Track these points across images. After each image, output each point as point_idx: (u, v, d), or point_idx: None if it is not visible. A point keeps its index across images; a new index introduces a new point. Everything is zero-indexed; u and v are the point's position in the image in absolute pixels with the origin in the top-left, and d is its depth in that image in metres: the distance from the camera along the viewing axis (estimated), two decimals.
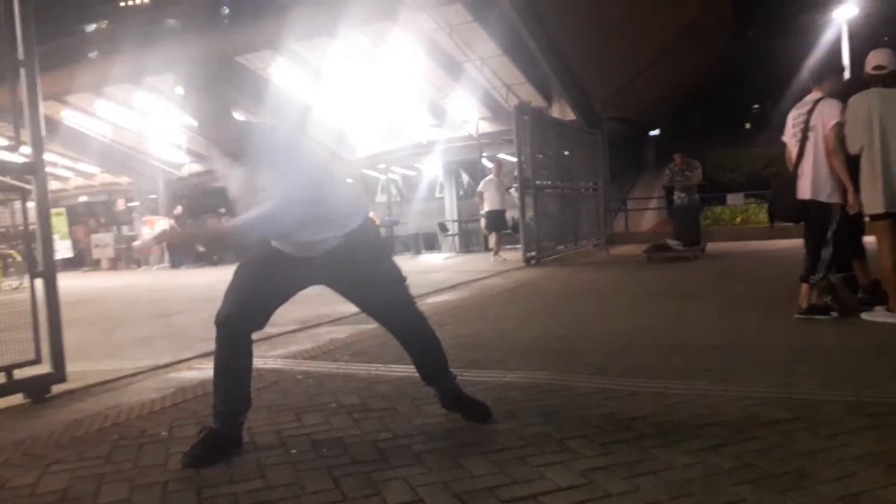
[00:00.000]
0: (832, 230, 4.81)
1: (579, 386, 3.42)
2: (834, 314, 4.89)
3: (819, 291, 4.96)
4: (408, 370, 3.98)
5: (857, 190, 4.70)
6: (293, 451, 2.73)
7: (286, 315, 6.59)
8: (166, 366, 4.54)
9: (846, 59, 21.64)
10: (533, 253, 10.99)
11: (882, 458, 2.28)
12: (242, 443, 2.79)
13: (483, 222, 12.79)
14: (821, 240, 4.84)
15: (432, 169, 19.30)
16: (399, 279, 2.96)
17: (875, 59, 4.75)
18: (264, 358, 4.65)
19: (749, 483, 2.15)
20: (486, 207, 12.16)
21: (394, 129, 17.59)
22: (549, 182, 12.02)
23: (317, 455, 2.66)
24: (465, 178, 19.86)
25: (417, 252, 17.19)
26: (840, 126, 4.71)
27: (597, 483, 2.22)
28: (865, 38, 21.06)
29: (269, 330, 5.66)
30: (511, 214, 12.61)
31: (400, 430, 2.88)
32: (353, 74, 15.02)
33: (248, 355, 2.85)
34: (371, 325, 5.72)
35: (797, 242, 5.30)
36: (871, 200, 4.64)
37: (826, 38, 25.27)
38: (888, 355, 3.78)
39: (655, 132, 28.41)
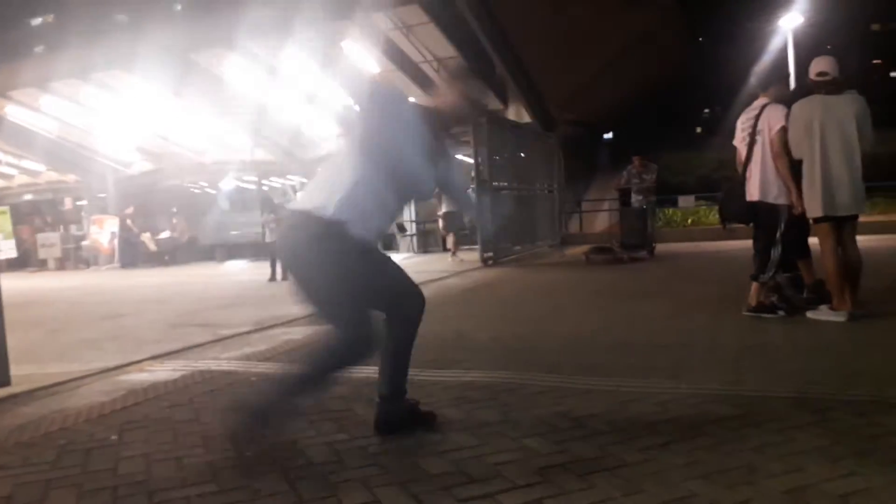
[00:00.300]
0: (780, 231, 4.97)
1: (535, 384, 3.45)
2: (780, 313, 5.04)
3: (767, 290, 5.11)
4: (364, 370, 3.95)
5: (800, 192, 4.86)
6: (248, 453, 2.68)
7: (240, 316, 6.52)
8: (115, 368, 4.41)
9: (791, 66, 22.34)
10: (490, 254, 11.04)
11: (826, 452, 2.35)
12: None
13: (441, 223, 12.81)
14: (770, 240, 4.99)
15: None
16: None
17: (818, 66, 4.88)
18: (217, 360, 4.57)
19: (699, 478, 2.20)
20: (444, 208, 12.18)
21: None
22: (506, 184, 12.10)
23: (272, 457, 2.62)
24: None
25: None
26: (785, 130, 4.87)
27: (553, 481, 2.24)
28: (810, 45, 21.79)
29: (221, 332, 5.62)
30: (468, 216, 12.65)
31: (357, 432, 2.86)
32: (308, 72, 14.85)
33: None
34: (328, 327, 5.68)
35: (746, 244, 5.43)
36: (812, 204, 4.80)
37: (773, 46, 26.05)
38: (832, 352, 3.91)
39: (609, 135, 28.86)
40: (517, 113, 15.77)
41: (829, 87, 4.81)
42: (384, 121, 2.54)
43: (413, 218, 17.41)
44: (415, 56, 14.92)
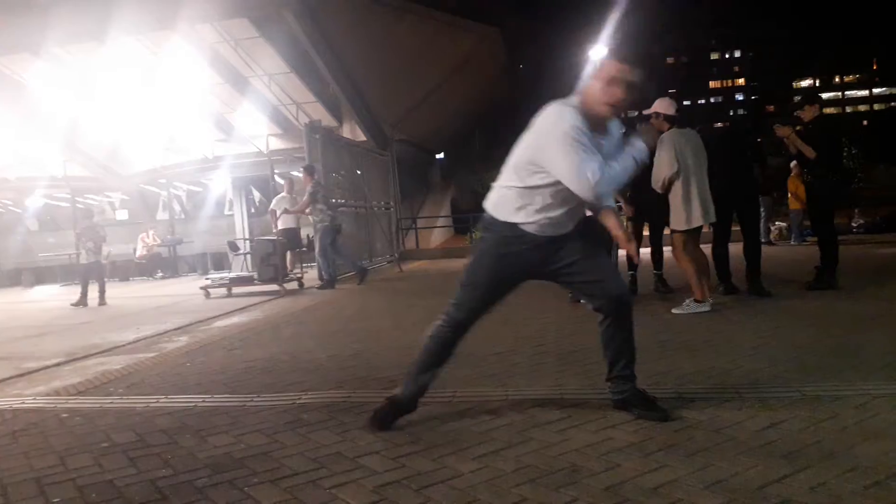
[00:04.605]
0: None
1: (373, 401, 3.39)
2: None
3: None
4: (191, 400, 3.71)
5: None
6: (55, 499, 2.39)
7: (49, 347, 5.88)
8: None
9: None
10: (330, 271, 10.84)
11: (640, 448, 2.52)
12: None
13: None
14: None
15: (220, 185, 18.34)
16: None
17: (671, 104, 5.75)
18: (21, 397, 4.07)
19: (529, 483, 2.26)
20: (280, 226, 11.83)
21: (177, 142, 16.51)
22: (343, 200, 12.01)
23: (84, 502, 2.36)
24: (256, 194, 19.14)
25: (205, 272, 16.21)
26: None
27: (389, 498, 2.21)
28: None
29: (26, 365, 5.03)
30: (306, 232, 12.37)
31: (182, 466, 2.65)
32: (127, 84, 13.85)
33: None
34: (150, 354, 5.27)
35: None
36: (693, 216, 5.58)
37: (585, 74, 28.16)
38: (639, 354, 4.20)
39: (441, 155, 29.64)
40: (352, 131, 15.76)
41: (679, 122, 5.74)
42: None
43: (247, 235, 16.80)
44: (244, 70, 14.42)
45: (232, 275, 10.89)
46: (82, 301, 9.60)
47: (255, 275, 9.95)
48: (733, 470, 2.26)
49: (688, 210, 5.55)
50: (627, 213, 5.93)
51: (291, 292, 9.54)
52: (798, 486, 2.10)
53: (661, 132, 5.66)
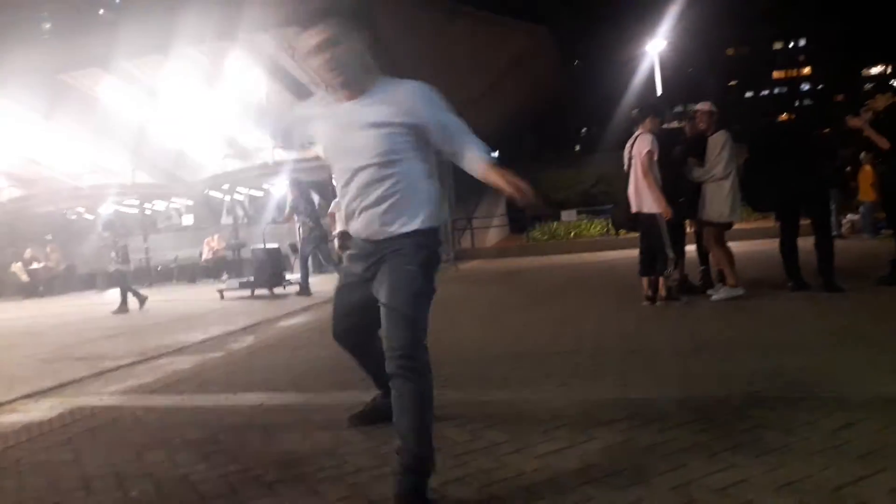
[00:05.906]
0: (666, 233, 5.76)
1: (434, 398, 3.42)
2: (685, 298, 5.99)
3: (669, 282, 6.00)
4: (258, 398, 3.81)
5: (667, 202, 5.77)
6: (133, 493, 2.50)
7: (123, 346, 6.13)
8: None
9: (658, 86, 23.86)
10: None
11: (706, 448, 2.46)
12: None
13: (337, 242, 12.63)
14: (662, 242, 5.78)
15: (281, 189, 18.75)
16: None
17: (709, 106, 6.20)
18: (99, 395, 4.26)
19: (593, 482, 2.24)
20: (339, 227, 12.02)
21: (238, 149, 16.95)
22: None
23: (160, 495, 2.45)
24: (316, 198, 19.48)
25: None
26: (650, 154, 5.73)
27: (451, 496, 2.22)
28: (674, 67, 23.41)
29: (102, 364, 5.25)
30: None
31: (252, 462, 2.73)
32: (191, 94, 14.30)
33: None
34: (218, 353, 5.44)
35: (620, 253, 5.76)
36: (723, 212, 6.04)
37: (642, 68, 27.70)
38: (706, 353, 4.12)
39: (495, 154, 29.65)
40: None
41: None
42: None
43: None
44: (302, 77, 14.70)
45: (242, 280, 11.48)
46: (123, 308, 9.85)
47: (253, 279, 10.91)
48: (806, 471, 2.18)
49: (731, 204, 5.99)
50: (667, 214, 5.73)
51: None
52: (875, 489, 2.02)
53: (705, 130, 6.11)
